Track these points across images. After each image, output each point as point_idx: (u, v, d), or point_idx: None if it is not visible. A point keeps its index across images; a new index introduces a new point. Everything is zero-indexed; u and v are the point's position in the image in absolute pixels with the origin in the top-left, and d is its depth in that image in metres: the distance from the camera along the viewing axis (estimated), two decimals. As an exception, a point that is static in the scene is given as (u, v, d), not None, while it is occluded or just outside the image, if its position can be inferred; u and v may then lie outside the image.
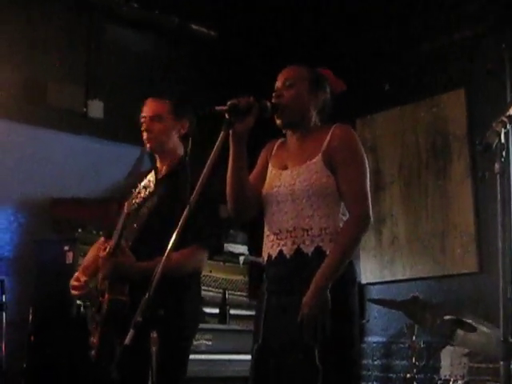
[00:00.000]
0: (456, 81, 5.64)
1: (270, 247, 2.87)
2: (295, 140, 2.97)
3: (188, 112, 3.49)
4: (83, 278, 3.37)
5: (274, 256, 2.85)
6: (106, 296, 3.18)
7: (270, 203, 2.91)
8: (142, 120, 3.44)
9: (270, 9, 6.27)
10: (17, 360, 4.79)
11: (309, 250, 2.78)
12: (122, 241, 3.19)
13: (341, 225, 2.80)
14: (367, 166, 2.88)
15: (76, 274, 3.43)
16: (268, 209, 2.92)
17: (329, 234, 2.78)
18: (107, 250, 3.23)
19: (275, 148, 3.06)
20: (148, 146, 3.42)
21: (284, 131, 3.01)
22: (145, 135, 3.42)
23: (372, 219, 2.82)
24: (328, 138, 2.86)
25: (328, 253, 2.74)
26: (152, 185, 3.13)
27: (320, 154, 2.84)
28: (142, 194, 3.14)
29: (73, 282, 3.39)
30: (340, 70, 3.12)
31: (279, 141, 3.07)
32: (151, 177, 3.17)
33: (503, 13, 5.38)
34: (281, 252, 2.82)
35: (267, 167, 3.02)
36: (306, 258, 2.77)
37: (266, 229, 2.93)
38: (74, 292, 3.38)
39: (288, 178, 2.88)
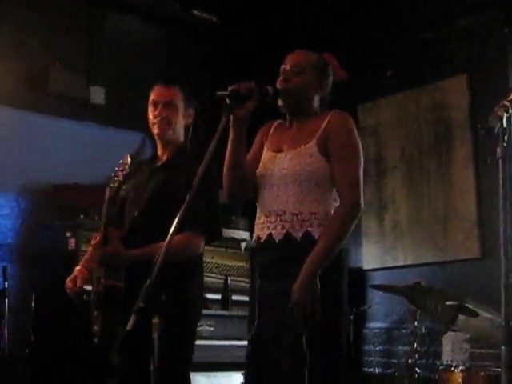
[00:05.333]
0: (458, 67, 5.62)
1: (260, 229, 2.86)
2: (294, 125, 2.95)
3: (195, 101, 3.48)
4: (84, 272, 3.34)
5: (263, 239, 2.84)
6: (102, 283, 3.18)
7: (262, 185, 2.89)
8: (154, 105, 3.39)
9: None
10: (20, 346, 4.80)
11: (298, 234, 2.75)
12: (109, 228, 3.21)
13: (332, 210, 2.78)
14: (361, 154, 2.85)
15: (76, 268, 3.37)
16: (260, 191, 2.91)
17: (318, 219, 2.76)
18: (97, 238, 3.25)
19: (272, 130, 3.04)
20: (157, 131, 3.38)
21: (284, 111, 2.98)
22: (156, 120, 3.38)
23: (363, 207, 2.78)
24: (324, 123, 2.84)
25: (317, 237, 2.73)
26: (127, 167, 3.20)
27: (315, 139, 2.82)
28: (120, 178, 3.21)
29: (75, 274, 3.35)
30: (343, 55, 3.11)
31: (277, 122, 3.05)
32: (127, 159, 3.24)
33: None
34: (270, 235, 2.81)
35: (263, 149, 3.00)
36: (296, 243, 2.76)
37: (257, 210, 2.92)
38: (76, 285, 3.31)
39: (281, 161, 2.86)
